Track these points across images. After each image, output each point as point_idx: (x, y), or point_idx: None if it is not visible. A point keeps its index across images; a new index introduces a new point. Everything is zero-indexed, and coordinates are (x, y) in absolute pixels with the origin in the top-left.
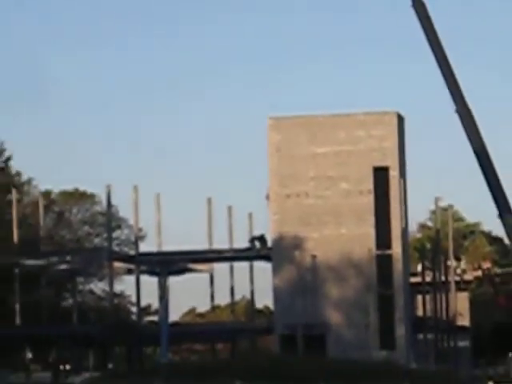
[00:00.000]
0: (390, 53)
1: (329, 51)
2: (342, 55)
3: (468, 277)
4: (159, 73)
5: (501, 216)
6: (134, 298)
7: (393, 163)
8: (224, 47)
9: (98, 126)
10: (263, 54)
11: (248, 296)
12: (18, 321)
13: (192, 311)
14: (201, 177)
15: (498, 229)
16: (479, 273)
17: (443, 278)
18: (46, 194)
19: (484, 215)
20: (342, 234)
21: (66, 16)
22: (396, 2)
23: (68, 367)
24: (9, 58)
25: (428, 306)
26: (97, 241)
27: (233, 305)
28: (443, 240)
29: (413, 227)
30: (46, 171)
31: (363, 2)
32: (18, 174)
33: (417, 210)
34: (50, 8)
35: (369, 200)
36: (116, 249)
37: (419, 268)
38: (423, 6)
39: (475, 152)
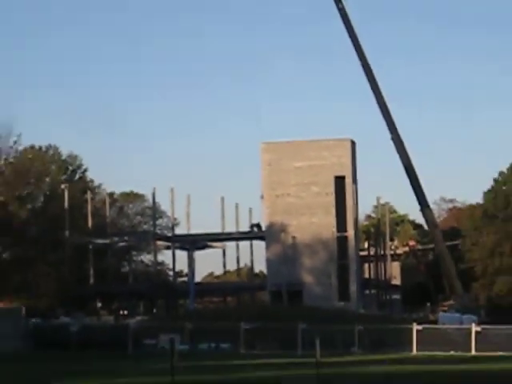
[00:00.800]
0: (346, 94)
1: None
2: (314, 95)
3: (399, 251)
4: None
5: (421, 209)
6: (171, 266)
7: (348, 173)
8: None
9: (145, 149)
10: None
11: (249, 264)
12: (91, 281)
13: (210, 275)
14: (217, 183)
15: (419, 218)
16: (407, 249)
17: (382, 252)
18: (111, 195)
19: (410, 209)
20: (313, 222)
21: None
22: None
23: (125, 313)
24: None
25: (372, 271)
26: (145, 226)
27: (238, 270)
28: (382, 226)
29: (362, 217)
30: (111, 178)
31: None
32: (92, 180)
33: (364, 205)
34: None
35: (331, 199)
36: (158, 232)
37: (366, 245)
38: (365, 58)
39: (404, 166)
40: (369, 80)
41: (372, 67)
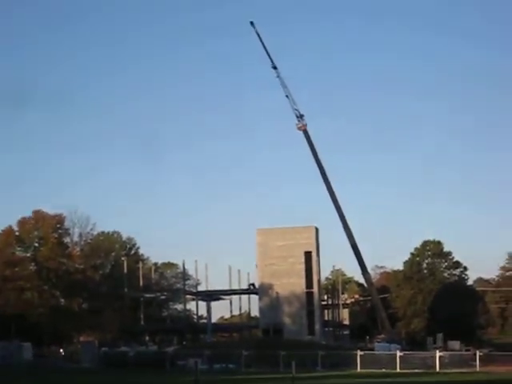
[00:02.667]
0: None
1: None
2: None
3: (348, 302)
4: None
5: (362, 273)
6: (195, 312)
7: (313, 249)
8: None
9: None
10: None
11: (247, 310)
12: (142, 322)
13: (221, 317)
14: (226, 255)
15: (361, 279)
16: (353, 300)
17: (336, 302)
18: (155, 264)
19: (355, 273)
20: (290, 282)
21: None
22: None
23: (164, 343)
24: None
25: (329, 315)
26: (178, 285)
27: (240, 315)
28: (336, 285)
29: (323, 279)
30: (155, 252)
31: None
32: (142, 254)
33: (324, 270)
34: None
35: (302, 267)
36: (187, 289)
37: (325, 297)
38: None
39: (351, 244)
40: (328, 190)
41: (330, 180)
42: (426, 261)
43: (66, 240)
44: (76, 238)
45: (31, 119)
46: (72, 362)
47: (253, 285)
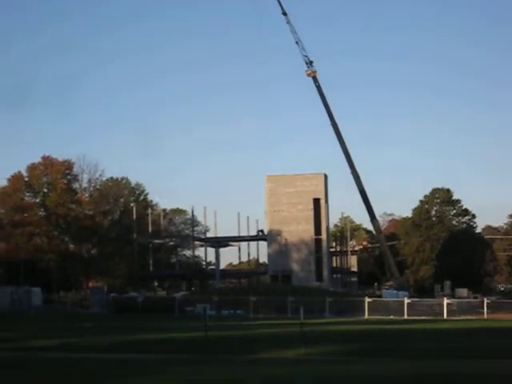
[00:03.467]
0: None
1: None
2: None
3: (356, 249)
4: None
5: (371, 220)
6: (204, 258)
7: (322, 196)
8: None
9: (186, 173)
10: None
11: (256, 257)
12: (151, 268)
13: (230, 264)
14: (235, 201)
15: (369, 226)
16: (361, 247)
17: (345, 249)
18: (164, 210)
19: (363, 220)
20: (298, 229)
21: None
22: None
23: (173, 289)
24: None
25: (338, 262)
26: (187, 231)
27: (249, 261)
28: (344, 232)
29: (331, 225)
30: (164, 199)
31: None
32: (151, 201)
33: (333, 217)
34: None
35: (311, 213)
36: (195, 235)
37: (334, 244)
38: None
39: (359, 190)
40: (337, 135)
41: (338, 126)
42: (435, 208)
43: (75, 186)
44: (85, 184)
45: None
46: (81, 307)
47: (261, 231)
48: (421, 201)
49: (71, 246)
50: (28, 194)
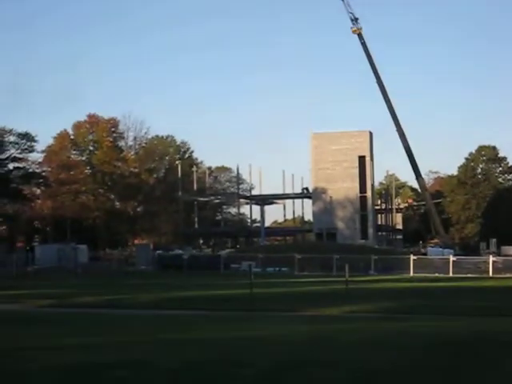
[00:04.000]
0: (369, 97)
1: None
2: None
3: (401, 206)
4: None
5: (416, 178)
6: (249, 215)
7: (367, 154)
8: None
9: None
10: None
11: (301, 215)
12: (196, 226)
13: (275, 222)
14: (280, 159)
15: (415, 184)
16: (406, 205)
17: (390, 207)
18: (209, 168)
19: (409, 178)
20: (343, 187)
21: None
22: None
23: (218, 247)
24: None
25: (383, 220)
26: (232, 189)
27: (294, 219)
28: (390, 190)
29: (376, 183)
30: (209, 157)
31: None
32: (196, 158)
33: (378, 175)
34: None
35: (356, 171)
36: (241, 193)
37: (379, 202)
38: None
39: (404, 148)
40: (382, 93)
41: (384, 83)
42: (481, 166)
43: (121, 144)
44: (130, 142)
45: None
46: (127, 264)
47: (306, 189)
48: (466, 158)
49: (117, 203)
50: (74, 152)
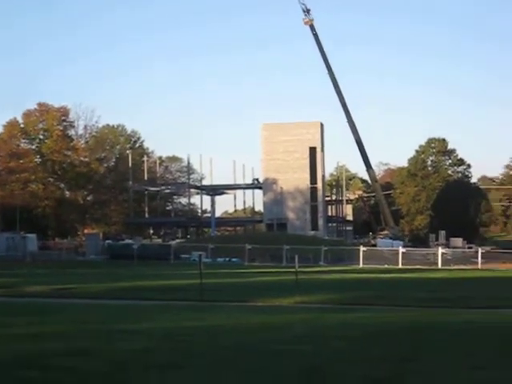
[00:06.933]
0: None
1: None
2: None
3: (351, 198)
4: None
5: (366, 169)
6: (199, 206)
7: (318, 145)
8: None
9: (182, 123)
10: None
11: (251, 205)
12: (146, 215)
13: (225, 212)
14: (230, 150)
15: (365, 176)
16: (356, 196)
17: (340, 198)
18: (160, 158)
19: (359, 169)
20: (294, 177)
21: None
22: None
23: (168, 237)
24: None
25: (333, 211)
26: (183, 179)
27: (244, 209)
28: (340, 181)
29: (327, 174)
30: (160, 146)
31: None
32: (147, 148)
33: (328, 166)
34: None
35: (307, 162)
36: (191, 183)
37: (329, 193)
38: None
39: (355, 140)
40: (334, 85)
41: (335, 75)
42: (431, 158)
43: (71, 133)
44: (81, 131)
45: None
46: (76, 254)
47: (257, 180)
48: (416, 151)
49: (67, 192)
50: (24, 141)
